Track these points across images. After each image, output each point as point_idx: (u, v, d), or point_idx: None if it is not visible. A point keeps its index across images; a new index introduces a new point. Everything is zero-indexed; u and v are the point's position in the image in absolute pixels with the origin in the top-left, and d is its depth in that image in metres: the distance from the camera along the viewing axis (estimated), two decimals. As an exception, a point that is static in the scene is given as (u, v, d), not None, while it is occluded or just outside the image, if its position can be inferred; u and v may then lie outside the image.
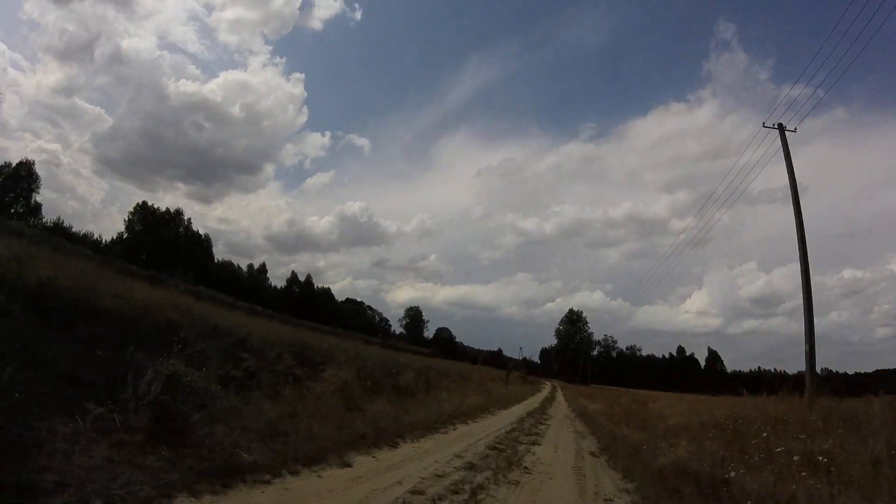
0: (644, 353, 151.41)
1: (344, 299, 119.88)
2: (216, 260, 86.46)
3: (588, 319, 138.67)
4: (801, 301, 18.59)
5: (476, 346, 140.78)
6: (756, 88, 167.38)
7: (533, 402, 31.66)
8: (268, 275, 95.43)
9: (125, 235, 72.70)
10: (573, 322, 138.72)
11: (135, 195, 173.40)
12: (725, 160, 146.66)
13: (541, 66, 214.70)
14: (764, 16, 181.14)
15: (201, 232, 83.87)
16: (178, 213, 79.53)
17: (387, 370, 18.64)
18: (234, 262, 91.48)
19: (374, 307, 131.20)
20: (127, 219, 74.92)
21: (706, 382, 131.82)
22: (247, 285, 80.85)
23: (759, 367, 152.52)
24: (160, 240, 71.20)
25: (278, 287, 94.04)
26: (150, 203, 77.29)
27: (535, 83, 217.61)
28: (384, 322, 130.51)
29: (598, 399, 33.45)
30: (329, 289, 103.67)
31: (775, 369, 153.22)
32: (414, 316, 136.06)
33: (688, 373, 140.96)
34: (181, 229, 78.47)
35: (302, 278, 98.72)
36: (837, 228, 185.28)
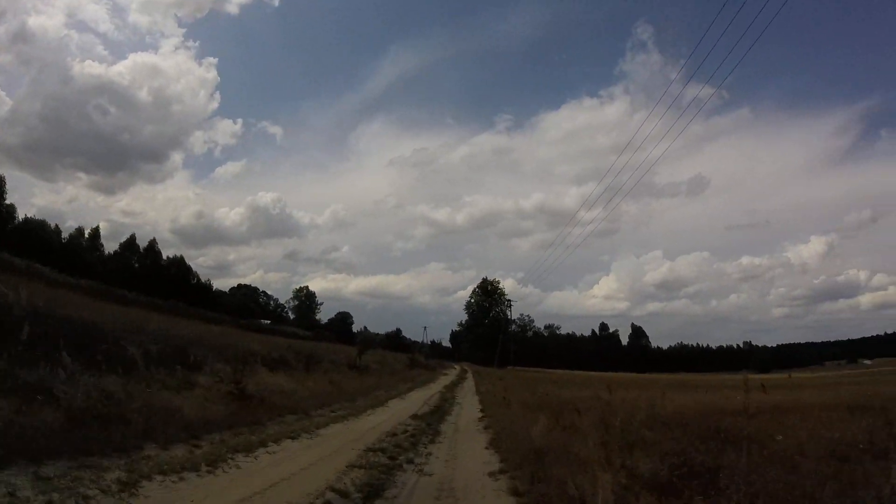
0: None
1: (236, 285, 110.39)
2: (20, 217, 63.65)
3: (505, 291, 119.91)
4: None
5: (384, 333, 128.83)
6: (667, 88, 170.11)
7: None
8: (101, 241, 73.49)
9: None
10: (488, 293, 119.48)
11: (34, 186, 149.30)
12: (633, 155, 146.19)
13: (461, 57, 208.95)
14: (681, 19, 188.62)
15: None
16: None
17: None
18: (51, 224, 68.70)
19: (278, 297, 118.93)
20: None
21: (631, 360, 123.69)
22: (60, 250, 59.23)
23: (680, 342, 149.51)
24: None
25: (110, 253, 71.30)
26: None
27: (454, 74, 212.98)
28: (280, 308, 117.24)
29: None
30: (182, 258, 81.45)
31: (698, 343, 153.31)
32: (304, 298, 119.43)
33: (611, 350, 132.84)
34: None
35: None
36: (738, 219, 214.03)
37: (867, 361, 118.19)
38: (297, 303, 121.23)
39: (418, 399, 22.30)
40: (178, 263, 79.18)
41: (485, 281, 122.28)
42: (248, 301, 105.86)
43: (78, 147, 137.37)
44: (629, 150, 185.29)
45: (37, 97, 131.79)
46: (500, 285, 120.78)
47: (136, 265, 71.51)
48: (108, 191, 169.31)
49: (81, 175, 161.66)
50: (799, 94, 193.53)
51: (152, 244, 75.73)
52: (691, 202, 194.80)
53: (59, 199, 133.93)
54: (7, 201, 63.18)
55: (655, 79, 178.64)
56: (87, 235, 73.19)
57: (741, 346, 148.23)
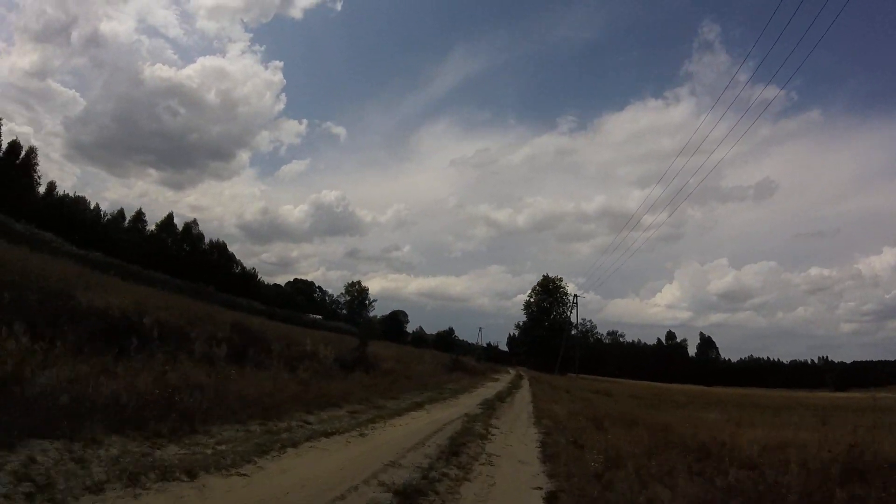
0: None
1: (292, 279, 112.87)
2: (55, 191, 60.42)
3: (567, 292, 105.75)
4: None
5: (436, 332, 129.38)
6: (734, 89, 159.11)
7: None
8: (144, 224, 69.86)
9: None
10: (549, 291, 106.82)
11: (107, 181, 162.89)
12: (698, 157, 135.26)
13: (524, 58, 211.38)
14: (748, 18, 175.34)
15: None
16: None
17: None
18: (88, 200, 65.80)
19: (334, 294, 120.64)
20: None
21: (698, 371, 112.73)
22: (87, 226, 55.93)
23: (751, 355, 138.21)
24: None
25: (147, 234, 67.14)
26: None
27: (517, 75, 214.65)
28: (335, 304, 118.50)
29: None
30: (224, 244, 76.98)
31: (768, 357, 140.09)
32: (356, 293, 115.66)
33: (677, 361, 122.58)
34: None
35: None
36: (806, 227, 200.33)
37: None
38: (349, 298, 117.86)
39: (404, 438, 10.30)
40: (220, 249, 75.03)
41: (546, 278, 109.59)
42: (297, 295, 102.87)
43: (148, 145, 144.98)
44: (694, 152, 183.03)
45: (109, 98, 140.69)
46: (563, 284, 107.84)
47: (173, 247, 67.39)
48: (177, 186, 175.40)
49: (152, 171, 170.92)
50: (872, 97, 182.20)
51: (190, 226, 71.53)
52: (758, 207, 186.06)
53: (130, 194, 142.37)
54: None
55: (722, 80, 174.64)
56: (129, 218, 70.40)
57: (815, 361, 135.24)
